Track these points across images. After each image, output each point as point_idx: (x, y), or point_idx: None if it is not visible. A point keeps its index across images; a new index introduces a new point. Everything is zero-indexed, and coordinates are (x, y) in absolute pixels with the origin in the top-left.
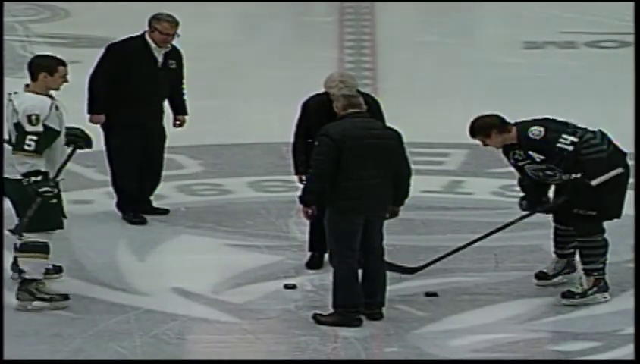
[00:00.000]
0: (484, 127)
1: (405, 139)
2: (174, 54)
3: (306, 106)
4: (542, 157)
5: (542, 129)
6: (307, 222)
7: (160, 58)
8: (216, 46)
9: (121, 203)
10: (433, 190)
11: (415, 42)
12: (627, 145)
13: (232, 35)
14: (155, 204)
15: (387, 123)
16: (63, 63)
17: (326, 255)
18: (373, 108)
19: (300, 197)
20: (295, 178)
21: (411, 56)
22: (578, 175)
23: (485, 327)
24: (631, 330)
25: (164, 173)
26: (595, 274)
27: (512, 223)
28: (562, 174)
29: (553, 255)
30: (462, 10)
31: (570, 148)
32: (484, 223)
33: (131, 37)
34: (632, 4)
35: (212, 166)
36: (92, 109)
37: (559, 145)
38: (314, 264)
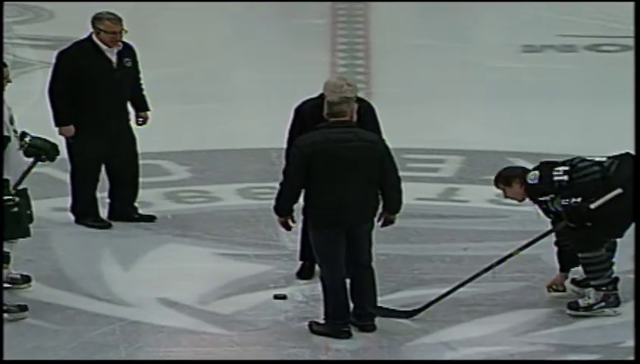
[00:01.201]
0: (507, 176)
1: (399, 145)
2: (128, 52)
3: (300, 111)
4: (551, 196)
5: (537, 172)
6: (298, 230)
7: (114, 58)
8: (204, 49)
9: (77, 208)
10: (427, 198)
11: (410, 45)
12: (626, 150)
13: (221, 37)
14: (140, 211)
15: (382, 129)
16: (4, 64)
17: (317, 265)
18: (367, 114)
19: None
20: None
21: (406, 59)
22: (579, 199)
23: (481, 339)
24: (632, 342)
25: (150, 179)
26: (604, 289)
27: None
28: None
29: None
30: (458, 12)
31: (565, 177)
32: (480, 232)
33: (79, 41)
34: (632, 6)
35: (200, 172)
36: (59, 122)
37: (555, 179)
38: (305, 273)
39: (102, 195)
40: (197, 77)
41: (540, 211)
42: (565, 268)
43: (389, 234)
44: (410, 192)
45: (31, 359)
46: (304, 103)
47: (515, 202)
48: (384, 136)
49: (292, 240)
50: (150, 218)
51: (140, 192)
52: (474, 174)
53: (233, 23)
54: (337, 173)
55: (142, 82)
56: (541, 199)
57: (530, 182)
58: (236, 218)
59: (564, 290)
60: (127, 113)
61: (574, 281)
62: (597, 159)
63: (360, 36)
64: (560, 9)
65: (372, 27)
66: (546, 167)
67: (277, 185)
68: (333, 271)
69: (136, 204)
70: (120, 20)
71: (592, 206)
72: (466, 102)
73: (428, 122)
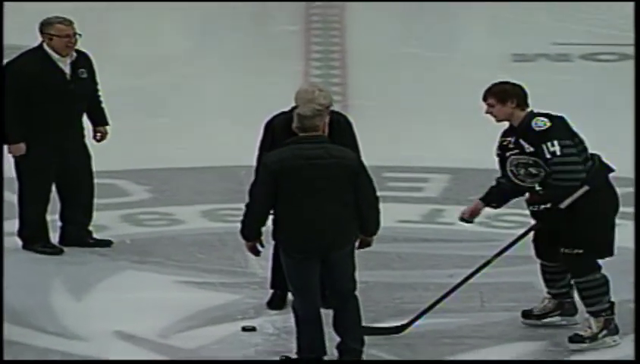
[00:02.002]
0: (506, 92)
1: (379, 163)
2: (83, 61)
3: (271, 125)
4: (532, 149)
5: (548, 124)
6: (268, 256)
7: (67, 69)
8: (167, 59)
9: (25, 232)
10: (411, 220)
11: (391, 53)
12: (626, 168)
13: (185, 46)
14: (95, 235)
15: (360, 145)
16: None
17: (290, 294)
18: (344, 128)
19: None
20: None
21: (386, 70)
22: (548, 205)
23: None
24: None
25: (106, 200)
26: (604, 314)
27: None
28: (544, 178)
29: (545, 294)
30: (444, 18)
31: (547, 155)
32: (467, 257)
33: (28, 51)
34: (631, 14)
35: (161, 193)
36: (9, 139)
37: (543, 145)
38: (276, 303)
39: (53, 217)
40: (159, 89)
41: (508, 167)
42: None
43: (368, 260)
44: (391, 214)
45: (31, 359)
46: (275, 117)
47: (505, 224)
48: (362, 153)
49: (262, 266)
50: (106, 243)
51: (95, 214)
52: (460, 193)
53: (198, 31)
54: (306, 192)
55: (100, 94)
56: (526, 149)
57: (533, 126)
58: (200, 242)
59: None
60: (81, 128)
61: (524, 314)
62: (580, 152)
63: (336, 43)
64: (554, 15)
65: (349, 34)
66: (558, 126)
67: (244, 206)
68: (306, 301)
69: (90, 227)
70: (71, 22)
71: (562, 206)
72: (452, 116)
73: (410, 137)
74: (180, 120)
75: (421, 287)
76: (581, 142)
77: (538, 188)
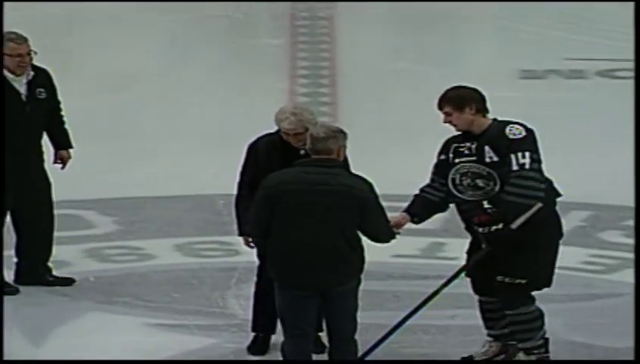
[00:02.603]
0: (464, 98)
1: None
2: (41, 80)
3: (253, 149)
4: (496, 158)
5: (524, 133)
6: (249, 296)
7: (23, 90)
8: (138, 75)
9: None
10: (408, 254)
11: (386, 70)
12: None
13: (156, 61)
14: (55, 273)
15: (350, 170)
16: None
17: (274, 337)
18: None
19: (239, 227)
20: (236, 240)
21: (380, 87)
22: (500, 226)
23: None
24: None
25: (68, 233)
26: (536, 352)
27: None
28: (489, 192)
29: (486, 337)
30: (444, 30)
31: (515, 167)
32: (471, 295)
33: None
34: None
35: (130, 224)
36: None
37: (511, 155)
38: (258, 348)
39: (8, 253)
40: (129, 109)
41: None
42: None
43: (361, 299)
44: (387, 248)
45: (31, 359)
46: (259, 139)
47: None
48: None
49: (242, 306)
50: (67, 282)
51: (55, 249)
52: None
53: (170, 44)
54: (305, 221)
55: (63, 114)
56: (487, 158)
57: (507, 133)
58: (173, 279)
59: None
60: (40, 152)
61: (465, 359)
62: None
63: (325, 58)
64: (567, 25)
65: (339, 48)
66: (532, 137)
67: (224, 239)
68: (297, 344)
69: (50, 264)
70: (25, 39)
71: (513, 226)
72: None
73: (406, 163)
74: (152, 142)
75: (420, 330)
76: (541, 161)
77: (486, 205)
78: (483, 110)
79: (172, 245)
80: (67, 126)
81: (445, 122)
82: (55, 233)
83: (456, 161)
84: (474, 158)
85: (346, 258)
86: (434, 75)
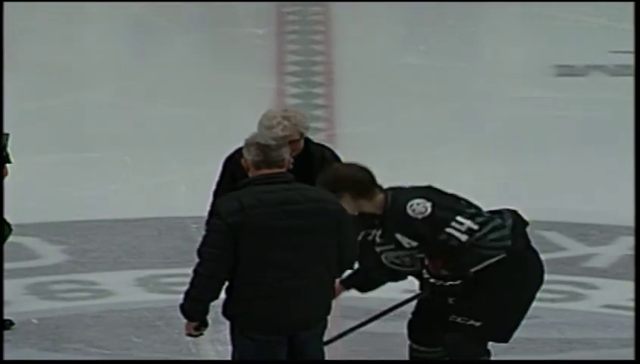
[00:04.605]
0: (338, 182)
1: None
2: None
3: (231, 162)
4: (415, 243)
5: (428, 204)
6: (228, 340)
7: None
8: (94, 72)
9: None
10: (414, 290)
11: (393, 65)
12: None
13: (118, 55)
14: None
15: None
16: None
17: None
18: (317, 163)
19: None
20: None
21: (386, 87)
22: (457, 282)
23: None
24: None
25: (7, 266)
26: None
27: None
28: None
29: None
30: (463, 18)
31: (463, 238)
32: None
33: None
34: None
35: (81, 254)
36: None
37: (449, 230)
38: None
39: None
40: (81, 112)
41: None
42: None
43: (358, 342)
44: (392, 286)
45: (31, 360)
46: (237, 151)
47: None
48: None
49: (219, 353)
50: (6, 324)
51: None
52: None
53: (136, 35)
54: (276, 250)
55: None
56: (406, 245)
57: (410, 213)
58: (136, 321)
59: None
60: None
61: None
62: (490, 214)
63: (319, 52)
64: (611, 12)
65: (336, 39)
66: (442, 206)
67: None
68: None
69: None
70: None
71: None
72: (471, 150)
73: (415, 177)
74: (109, 154)
75: None
76: (473, 205)
77: (444, 272)
78: (367, 190)
79: (133, 279)
80: (5, 134)
81: None
82: None
83: (377, 249)
84: (392, 247)
85: (326, 292)
86: (451, 71)
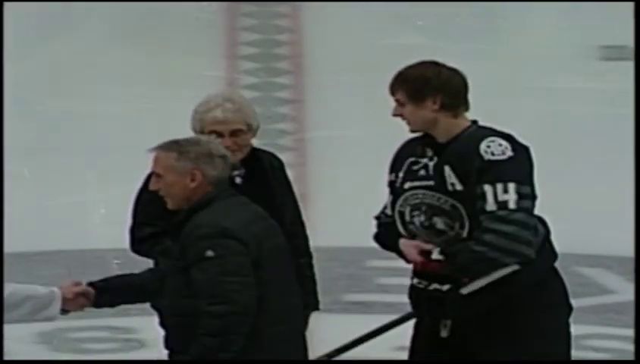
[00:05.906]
0: (427, 83)
1: (356, 243)
2: None
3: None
4: (460, 187)
5: (509, 150)
6: None
7: None
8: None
9: None
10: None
11: (381, 46)
12: None
13: (18, 34)
14: None
15: (301, 208)
16: None
17: None
18: (279, 177)
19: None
20: (142, 324)
21: (372, 75)
22: (444, 287)
23: None
24: None
25: None
26: None
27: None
28: (460, 238)
29: None
30: None
31: (490, 207)
32: None
33: None
34: None
35: None
36: None
37: (489, 188)
38: None
39: None
40: None
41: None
42: None
43: None
44: (387, 338)
45: (31, 359)
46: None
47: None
48: (323, 223)
49: None
50: None
51: None
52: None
53: (44, 13)
54: (284, 276)
55: None
56: (449, 185)
57: (482, 150)
58: None
59: None
60: None
61: None
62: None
63: (286, 29)
64: None
65: (307, 14)
66: (522, 161)
67: (120, 322)
68: None
69: None
70: None
71: (464, 291)
72: None
73: None
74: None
75: None
76: (535, 196)
77: (436, 257)
78: (454, 106)
79: (34, 333)
80: None
81: (394, 115)
82: None
83: (406, 185)
84: (431, 183)
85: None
86: (462, 54)
